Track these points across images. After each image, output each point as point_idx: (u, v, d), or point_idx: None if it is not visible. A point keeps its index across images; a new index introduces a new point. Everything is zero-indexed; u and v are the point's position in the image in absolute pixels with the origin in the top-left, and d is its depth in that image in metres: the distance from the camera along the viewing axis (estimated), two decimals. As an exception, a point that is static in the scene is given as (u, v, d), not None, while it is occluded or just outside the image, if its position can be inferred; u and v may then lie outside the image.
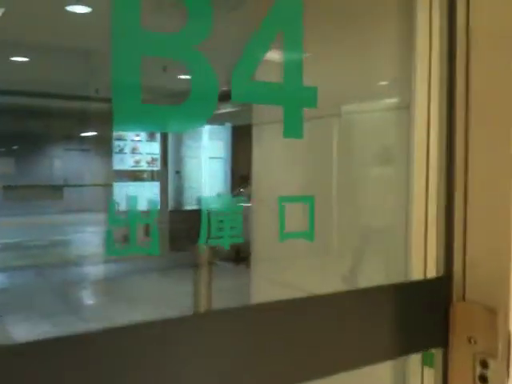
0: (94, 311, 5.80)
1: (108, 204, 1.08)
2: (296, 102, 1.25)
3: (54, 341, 0.90)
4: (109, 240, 1.03)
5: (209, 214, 1.21)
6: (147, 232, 1.14)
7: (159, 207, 1.30)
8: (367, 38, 1.81)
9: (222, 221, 1.25)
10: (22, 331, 4.64)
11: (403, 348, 1.40)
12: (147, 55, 1.02)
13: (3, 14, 4.21)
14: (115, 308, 5.53)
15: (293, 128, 1.26)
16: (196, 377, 1.07)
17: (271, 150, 2.48)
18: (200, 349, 1.07)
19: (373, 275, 2.15)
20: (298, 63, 1.25)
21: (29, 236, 10.66)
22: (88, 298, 6.32)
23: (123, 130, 1.00)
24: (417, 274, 1.50)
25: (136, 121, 1.03)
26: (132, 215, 1.07)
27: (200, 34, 1.12)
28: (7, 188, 15.12)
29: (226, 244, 1.25)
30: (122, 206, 1.12)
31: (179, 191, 10.61)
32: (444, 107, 1.42)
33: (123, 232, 1.07)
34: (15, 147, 15.50)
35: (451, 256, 1.43)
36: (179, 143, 10.66)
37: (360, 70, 1.89)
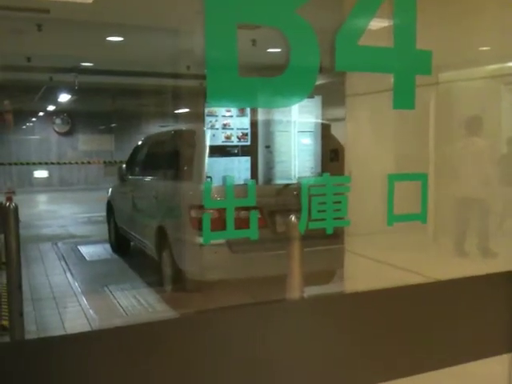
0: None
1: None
2: (408, 69, 1.10)
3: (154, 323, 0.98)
4: (205, 226, 0.94)
5: (309, 195, 1.11)
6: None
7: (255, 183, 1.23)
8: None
9: (323, 202, 1.14)
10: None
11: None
12: (242, 22, 0.92)
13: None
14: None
15: (404, 97, 1.11)
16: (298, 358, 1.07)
17: (367, 123, 2.34)
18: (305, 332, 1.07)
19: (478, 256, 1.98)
20: (411, 24, 1.10)
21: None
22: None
23: (218, 105, 0.91)
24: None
25: (231, 95, 0.93)
26: (229, 197, 0.98)
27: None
28: (108, 164, 15.94)
29: (329, 227, 1.14)
30: (215, 181, 1.05)
31: (269, 166, 10.58)
32: None
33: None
34: (114, 125, 16.23)
35: None
36: (269, 117, 10.58)
37: (462, 33, 1.69)
